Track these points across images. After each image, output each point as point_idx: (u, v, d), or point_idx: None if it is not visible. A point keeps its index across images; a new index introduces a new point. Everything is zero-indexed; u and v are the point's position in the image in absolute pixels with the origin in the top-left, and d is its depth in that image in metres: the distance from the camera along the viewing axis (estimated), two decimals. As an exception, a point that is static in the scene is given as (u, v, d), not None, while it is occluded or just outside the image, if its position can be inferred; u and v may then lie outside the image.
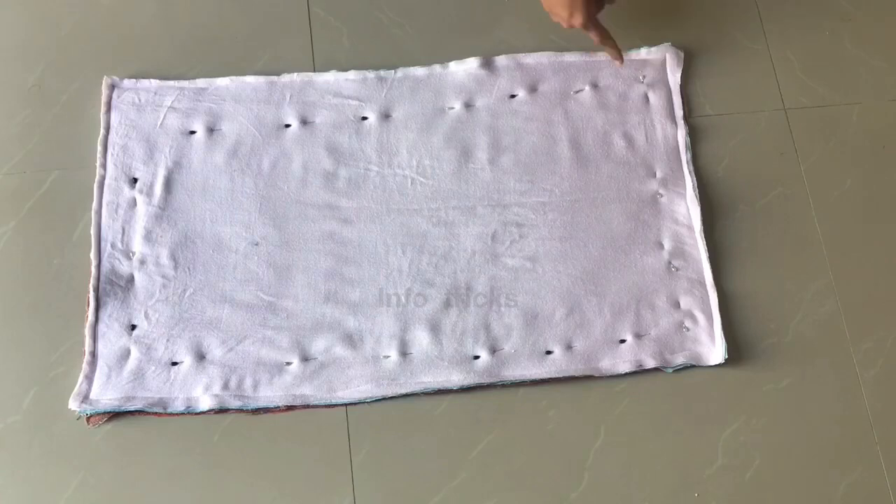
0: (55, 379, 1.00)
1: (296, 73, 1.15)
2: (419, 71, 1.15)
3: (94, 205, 1.07)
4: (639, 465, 1.00)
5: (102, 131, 1.10)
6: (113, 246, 1.05)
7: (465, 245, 1.07)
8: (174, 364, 1.01)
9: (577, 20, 1.07)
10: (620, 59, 1.14)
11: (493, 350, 1.03)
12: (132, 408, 0.98)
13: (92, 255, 1.05)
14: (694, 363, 1.03)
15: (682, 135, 1.14)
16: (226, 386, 1.00)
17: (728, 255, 1.09)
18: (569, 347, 1.03)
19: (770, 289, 1.08)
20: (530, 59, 1.16)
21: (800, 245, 1.10)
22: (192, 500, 0.97)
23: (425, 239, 1.07)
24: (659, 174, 1.12)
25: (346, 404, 1.01)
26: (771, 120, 1.16)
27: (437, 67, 1.16)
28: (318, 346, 1.02)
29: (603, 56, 1.17)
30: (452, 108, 1.14)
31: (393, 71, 1.15)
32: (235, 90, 1.13)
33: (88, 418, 0.99)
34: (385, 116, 1.13)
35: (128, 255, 1.05)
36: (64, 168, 1.10)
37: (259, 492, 0.97)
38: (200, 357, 1.02)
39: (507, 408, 1.01)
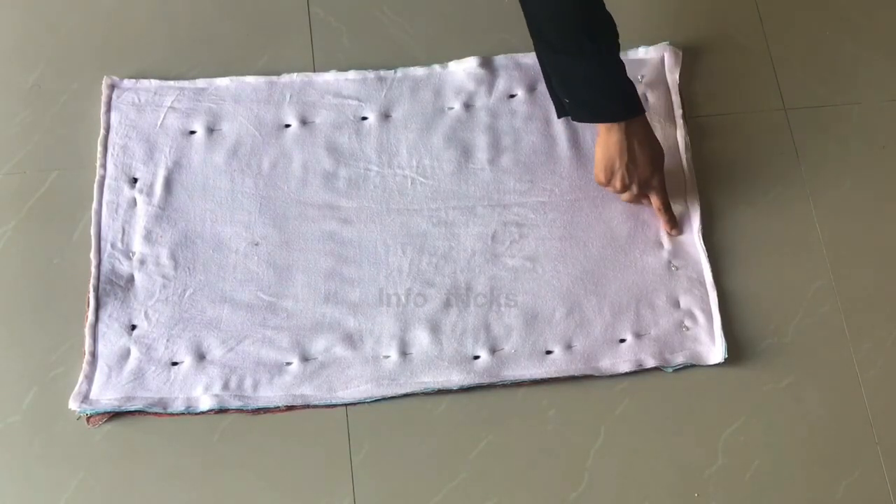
0: (55, 379, 1.00)
1: (296, 73, 1.15)
2: (419, 71, 1.15)
3: (94, 205, 1.07)
4: (639, 464, 1.00)
5: (102, 131, 1.10)
6: (113, 246, 1.05)
7: (465, 245, 1.07)
8: (174, 364, 1.01)
9: (657, 181, 1.05)
10: (677, 229, 1.08)
11: (493, 350, 1.03)
12: (132, 408, 0.98)
13: (92, 255, 1.05)
14: (694, 363, 1.03)
15: (681, 134, 1.14)
16: (226, 386, 1.00)
17: (728, 255, 1.09)
18: (569, 347, 1.03)
19: (770, 289, 1.08)
20: (529, 58, 1.16)
21: (800, 245, 1.10)
22: (192, 500, 0.97)
23: (425, 239, 1.07)
24: (659, 174, 1.12)
25: (346, 404, 1.01)
26: (771, 120, 1.16)
27: (436, 67, 1.16)
28: (318, 346, 1.02)
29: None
30: (452, 108, 1.14)
31: (393, 71, 1.15)
32: (235, 90, 1.13)
33: (88, 418, 0.99)
34: (385, 116, 1.13)
35: (128, 255, 1.05)
36: (64, 168, 1.10)
37: (259, 492, 0.97)
38: (200, 357, 1.02)
39: (507, 408, 1.01)
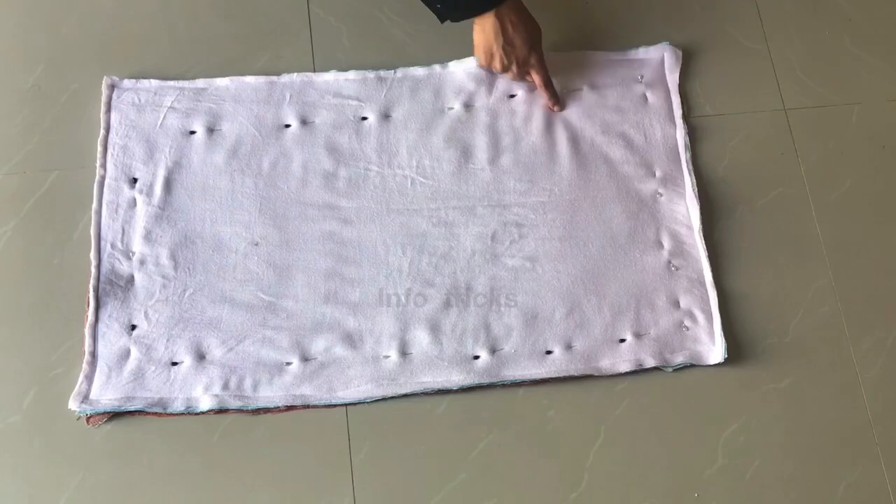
0: (55, 379, 1.00)
1: (296, 73, 1.15)
2: (419, 71, 1.15)
3: (94, 205, 1.07)
4: (639, 465, 1.00)
5: (102, 131, 1.10)
6: (113, 246, 1.05)
7: (465, 245, 1.07)
8: (174, 364, 1.01)
9: (535, 59, 1.09)
10: (559, 105, 1.13)
11: (493, 350, 1.03)
12: (132, 408, 0.98)
13: (92, 255, 1.05)
14: (694, 362, 1.03)
15: (681, 134, 1.14)
16: (226, 386, 1.00)
17: (728, 255, 1.09)
18: (569, 347, 1.03)
19: (770, 289, 1.08)
20: (530, 58, 1.16)
21: (800, 245, 1.10)
22: (192, 500, 0.97)
23: (425, 239, 1.07)
24: (658, 173, 1.12)
25: (346, 404, 1.01)
26: (771, 120, 1.16)
27: (436, 67, 1.16)
28: (318, 346, 1.02)
29: (601, 56, 1.17)
30: (452, 108, 1.14)
31: (393, 71, 1.15)
32: (235, 90, 1.13)
33: (88, 418, 0.99)
34: (385, 116, 1.13)
35: (128, 255, 1.05)
36: (64, 168, 1.10)
37: (259, 492, 0.97)
38: (200, 357, 1.02)
39: (507, 408, 1.01)
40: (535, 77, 1.11)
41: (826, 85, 1.19)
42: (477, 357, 1.03)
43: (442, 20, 1.09)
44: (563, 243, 1.08)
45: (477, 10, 1.05)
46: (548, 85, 1.12)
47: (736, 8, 1.22)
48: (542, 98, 1.13)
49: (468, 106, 1.14)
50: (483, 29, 1.07)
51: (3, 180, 1.09)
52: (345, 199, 1.09)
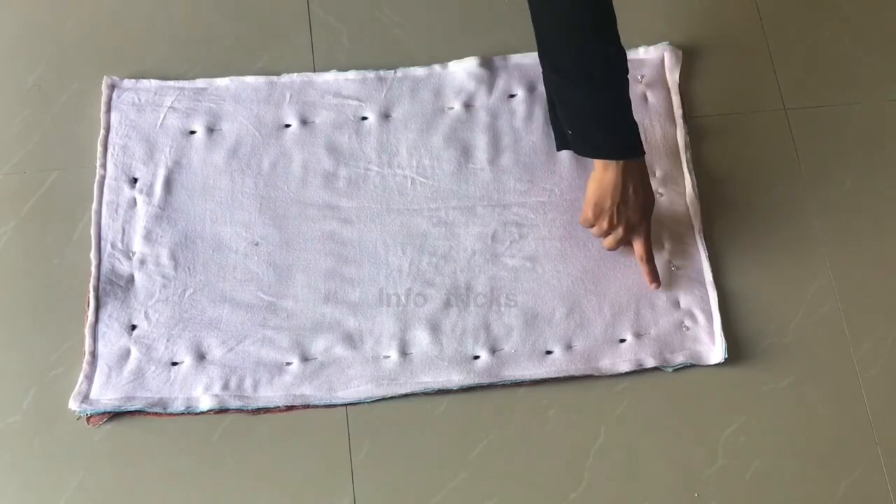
0: (55, 379, 1.00)
1: (296, 73, 1.15)
2: (419, 71, 1.15)
3: (94, 205, 1.07)
4: (639, 464, 1.00)
5: (102, 131, 1.10)
6: (113, 246, 1.05)
7: (465, 245, 1.07)
8: (174, 364, 1.01)
9: (643, 228, 1.01)
10: (658, 283, 1.04)
11: (493, 350, 1.03)
12: (132, 408, 0.98)
13: (92, 255, 1.05)
14: (694, 362, 1.03)
15: (681, 134, 1.14)
16: (226, 386, 1.00)
17: (728, 255, 1.09)
18: (569, 347, 1.03)
19: (770, 289, 1.08)
20: (529, 58, 1.16)
21: (800, 245, 1.10)
22: (192, 500, 0.97)
23: (425, 239, 1.07)
24: (658, 173, 1.12)
25: (346, 404, 1.01)
26: (771, 120, 1.16)
27: (436, 67, 1.16)
28: (318, 346, 1.02)
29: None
30: (452, 108, 1.14)
31: (393, 71, 1.15)
32: (235, 90, 1.13)
33: (88, 418, 0.99)
34: (385, 116, 1.13)
35: (128, 255, 1.05)
36: (64, 168, 1.10)
37: (259, 492, 0.97)
38: (200, 357, 1.02)
39: (507, 408, 1.01)
40: (638, 247, 1.02)
41: (826, 85, 1.19)
42: (477, 357, 1.03)
43: (559, 148, 1.04)
44: (564, 243, 1.08)
45: (605, 154, 0.97)
46: (649, 259, 1.03)
47: (736, 8, 1.22)
48: (642, 271, 1.04)
49: (468, 106, 1.14)
50: (601, 180, 0.98)
51: (3, 180, 1.09)
52: (345, 199, 1.09)
